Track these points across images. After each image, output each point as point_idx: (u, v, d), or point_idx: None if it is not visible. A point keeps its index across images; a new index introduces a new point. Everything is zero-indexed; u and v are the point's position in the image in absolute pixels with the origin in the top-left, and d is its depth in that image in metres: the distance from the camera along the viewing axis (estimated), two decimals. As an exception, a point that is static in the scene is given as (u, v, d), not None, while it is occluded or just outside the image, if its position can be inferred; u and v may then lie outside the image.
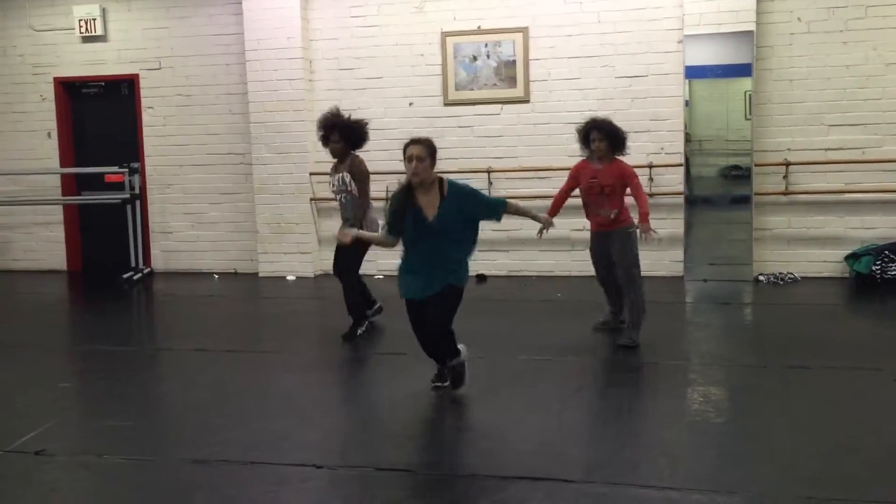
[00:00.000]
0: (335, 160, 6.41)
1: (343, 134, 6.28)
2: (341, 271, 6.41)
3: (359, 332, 6.34)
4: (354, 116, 6.44)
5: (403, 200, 4.63)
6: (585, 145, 6.03)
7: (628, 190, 5.96)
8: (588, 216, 6.13)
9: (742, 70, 8.29)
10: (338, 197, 6.38)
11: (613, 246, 5.96)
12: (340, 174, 6.28)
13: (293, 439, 4.33)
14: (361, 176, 6.26)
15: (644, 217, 5.82)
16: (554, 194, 6.33)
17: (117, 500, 3.71)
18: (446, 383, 4.87)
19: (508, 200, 4.98)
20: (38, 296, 8.92)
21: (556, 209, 6.12)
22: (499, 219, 4.89)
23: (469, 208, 4.66)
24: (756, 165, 8.25)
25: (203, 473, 3.89)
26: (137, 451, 4.21)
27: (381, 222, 5.28)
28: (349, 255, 6.19)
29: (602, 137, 5.87)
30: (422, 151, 4.55)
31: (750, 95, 8.28)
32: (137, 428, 4.59)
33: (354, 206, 6.23)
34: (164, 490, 3.77)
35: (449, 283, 4.62)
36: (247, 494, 3.68)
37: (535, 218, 5.18)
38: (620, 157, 5.99)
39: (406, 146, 4.62)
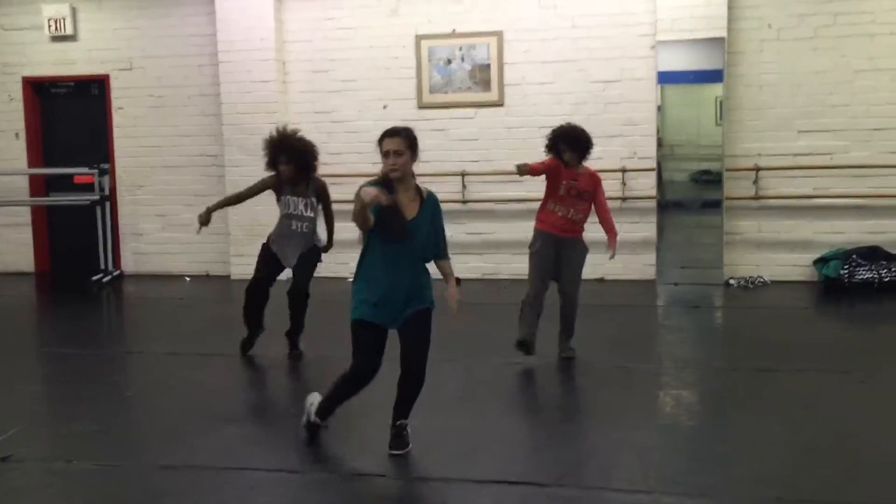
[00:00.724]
0: (286, 184, 5.85)
1: (294, 157, 5.76)
2: (305, 287, 5.96)
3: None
4: (300, 134, 5.97)
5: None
6: (555, 153, 5.74)
7: None
8: (544, 216, 5.74)
9: (713, 76, 8.39)
10: (296, 226, 5.87)
11: (572, 253, 5.72)
12: (307, 199, 5.86)
13: (265, 444, 4.31)
14: (328, 196, 5.98)
15: (613, 232, 5.83)
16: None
17: (86, 507, 3.66)
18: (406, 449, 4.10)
19: (447, 255, 4.28)
20: (4, 298, 8.78)
21: (532, 167, 5.74)
22: (429, 258, 4.17)
23: (434, 223, 4.14)
24: (727, 170, 8.33)
25: (173, 479, 3.85)
26: (107, 456, 4.15)
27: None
28: (311, 269, 6.01)
29: (569, 149, 5.66)
30: (400, 144, 3.98)
31: (721, 101, 8.36)
32: (107, 433, 4.53)
33: (328, 223, 6.08)
34: (134, 496, 3.73)
35: (426, 308, 4.07)
36: (217, 500, 3.65)
37: (448, 288, 4.23)
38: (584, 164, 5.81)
39: (381, 139, 4.04)
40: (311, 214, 5.91)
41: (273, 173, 5.88)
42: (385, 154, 3.99)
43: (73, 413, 4.93)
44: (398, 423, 4.11)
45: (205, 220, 5.79)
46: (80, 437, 4.45)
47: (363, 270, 4.06)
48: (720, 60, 8.23)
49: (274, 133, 5.90)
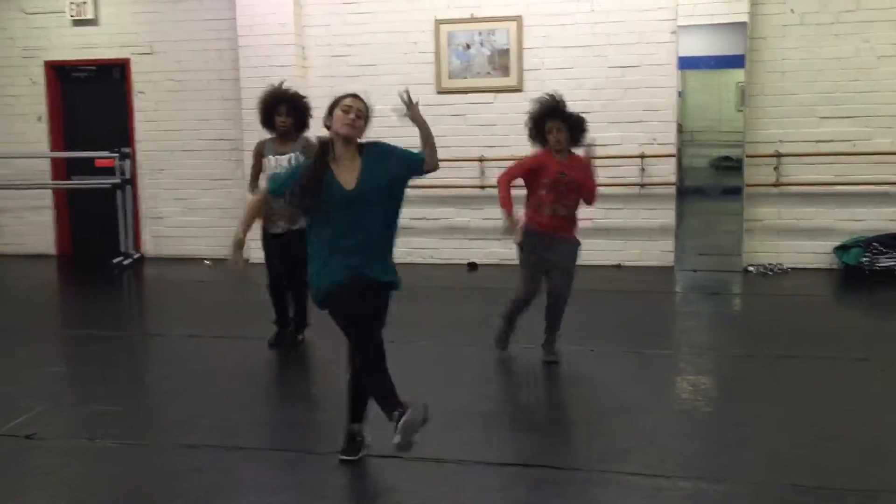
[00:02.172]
0: (275, 139, 5.66)
1: (293, 109, 5.59)
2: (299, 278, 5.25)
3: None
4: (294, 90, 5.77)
5: (315, 158, 3.75)
6: (538, 137, 5.17)
7: None
8: (534, 214, 5.15)
9: (735, 61, 8.31)
10: None
11: (560, 253, 5.14)
12: (290, 154, 5.55)
13: (283, 425, 4.35)
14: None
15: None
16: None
17: (108, 484, 3.71)
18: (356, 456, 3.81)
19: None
20: (27, 280, 8.89)
21: (511, 203, 5.03)
22: (421, 168, 3.88)
23: (392, 164, 3.78)
24: (747, 157, 8.27)
25: (193, 458, 3.90)
26: (128, 435, 4.21)
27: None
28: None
29: (561, 127, 5.02)
30: (363, 108, 3.79)
31: (742, 87, 8.29)
32: (128, 412, 4.60)
33: None
34: (155, 474, 3.78)
35: (390, 281, 3.83)
36: (236, 479, 3.70)
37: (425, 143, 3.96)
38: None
39: (342, 97, 3.80)
40: None
41: (258, 141, 5.79)
42: (345, 109, 3.72)
43: (94, 393, 5.00)
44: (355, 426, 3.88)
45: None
46: (101, 417, 4.51)
47: (314, 249, 3.77)
48: (742, 46, 8.16)
49: (270, 87, 5.72)
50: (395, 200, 3.81)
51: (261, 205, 4.07)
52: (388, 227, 3.83)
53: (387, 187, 3.75)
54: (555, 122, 5.05)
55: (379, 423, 4.27)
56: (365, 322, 3.71)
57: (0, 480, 3.73)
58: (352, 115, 3.71)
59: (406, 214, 9.67)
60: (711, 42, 8.38)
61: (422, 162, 3.86)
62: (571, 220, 5.22)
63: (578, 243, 5.28)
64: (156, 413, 4.66)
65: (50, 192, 9.95)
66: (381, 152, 3.82)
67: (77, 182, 9.84)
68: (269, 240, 5.80)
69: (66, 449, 4.11)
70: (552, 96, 5.20)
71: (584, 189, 5.18)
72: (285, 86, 5.80)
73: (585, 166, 5.19)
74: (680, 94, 8.39)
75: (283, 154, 5.60)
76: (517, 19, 8.62)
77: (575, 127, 5.10)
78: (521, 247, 5.18)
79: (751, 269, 8.26)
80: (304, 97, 5.80)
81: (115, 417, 4.52)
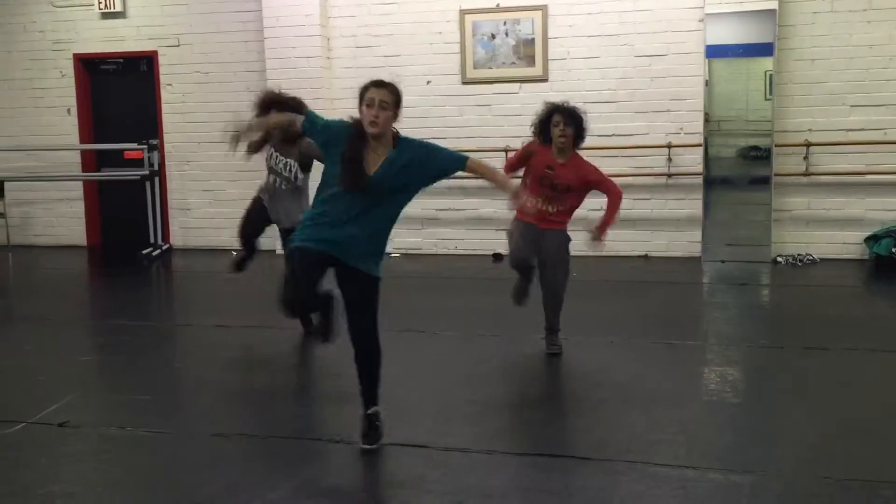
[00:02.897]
0: (274, 141, 5.60)
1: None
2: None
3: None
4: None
5: (351, 138, 3.65)
6: (544, 134, 5.10)
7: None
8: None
9: (763, 49, 8.21)
10: (277, 182, 5.67)
11: (548, 244, 5.14)
12: (287, 160, 5.61)
13: (311, 414, 4.38)
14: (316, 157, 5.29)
15: (604, 226, 5.09)
16: None
17: (140, 471, 3.76)
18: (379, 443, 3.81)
19: (471, 157, 3.82)
20: (58, 271, 9.02)
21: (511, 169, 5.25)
22: (462, 166, 3.72)
23: (426, 163, 3.70)
24: (776, 146, 8.18)
25: (223, 446, 3.94)
26: (158, 424, 4.27)
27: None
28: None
29: (568, 123, 4.99)
30: (387, 97, 3.63)
31: (771, 75, 8.19)
32: (158, 402, 4.66)
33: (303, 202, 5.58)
34: (186, 462, 3.83)
35: (369, 272, 3.75)
36: (265, 467, 3.73)
37: (500, 185, 3.92)
38: (579, 153, 5.18)
39: (366, 87, 3.67)
40: (289, 175, 5.60)
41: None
42: (368, 104, 3.62)
43: (125, 382, 5.07)
44: (368, 411, 3.82)
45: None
46: (132, 406, 4.57)
47: (314, 214, 3.76)
48: (771, 33, 8.05)
49: (267, 91, 5.56)
50: (401, 200, 3.76)
51: (288, 124, 3.92)
52: (384, 225, 3.76)
53: (402, 183, 3.69)
54: (563, 115, 5.02)
55: (403, 413, 4.30)
56: (305, 283, 3.68)
57: (35, 466, 3.80)
58: (374, 111, 3.60)
59: (431, 205, 9.78)
60: (740, 30, 8.28)
61: (464, 162, 3.74)
62: (562, 218, 5.16)
63: (567, 236, 5.20)
64: (185, 402, 4.72)
65: (80, 184, 10.07)
66: (418, 147, 3.73)
67: (106, 174, 9.95)
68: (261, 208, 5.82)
69: (98, 437, 4.17)
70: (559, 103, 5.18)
71: (603, 191, 5.12)
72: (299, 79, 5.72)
73: (579, 177, 5.06)
74: (707, 83, 8.30)
75: (282, 158, 5.62)
76: (542, 9, 8.58)
77: (579, 128, 5.06)
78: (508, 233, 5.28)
79: (779, 259, 8.19)
80: (302, 103, 5.48)
81: (146, 406, 4.58)
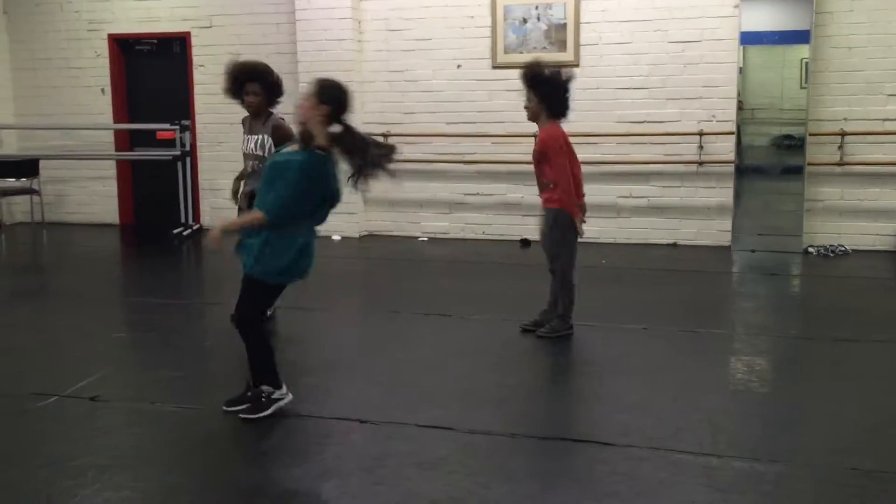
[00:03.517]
0: (248, 116, 5.50)
1: (266, 85, 5.31)
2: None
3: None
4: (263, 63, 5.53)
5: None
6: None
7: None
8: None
9: (799, 37, 8.08)
10: (250, 164, 5.44)
11: (543, 224, 5.28)
12: (258, 136, 5.37)
13: (336, 394, 4.42)
14: (287, 137, 4.89)
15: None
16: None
17: (169, 445, 3.83)
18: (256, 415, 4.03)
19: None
20: (91, 249, 9.15)
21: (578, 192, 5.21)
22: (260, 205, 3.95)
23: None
24: (810, 135, 8.07)
25: (251, 423, 3.99)
26: (188, 399, 4.34)
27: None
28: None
29: (531, 96, 4.96)
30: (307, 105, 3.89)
31: (806, 63, 8.07)
32: (187, 378, 4.73)
33: None
34: (215, 437, 3.89)
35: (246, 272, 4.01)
36: (292, 444, 3.79)
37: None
38: (556, 122, 5.12)
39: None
40: (261, 153, 5.34)
41: (244, 117, 5.57)
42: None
43: (155, 359, 5.15)
44: (256, 389, 4.09)
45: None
46: (162, 382, 4.65)
47: (297, 237, 4.04)
48: (807, 20, 7.92)
49: (237, 61, 5.45)
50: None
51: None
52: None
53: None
54: (524, 88, 5.02)
55: (429, 395, 4.33)
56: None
57: (68, 439, 3.89)
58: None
59: (459, 189, 9.75)
60: (775, 17, 8.17)
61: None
62: (544, 192, 5.20)
63: (553, 216, 5.16)
64: (214, 379, 4.79)
65: (113, 163, 10.20)
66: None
67: (139, 153, 10.06)
68: None
69: (129, 411, 4.25)
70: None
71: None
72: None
73: (540, 140, 5.05)
74: (741, 70, 8.20)
75: (254, 134, 5.42)
76: (575, -7, 8.50)
77: (548, 92, 5.01)
78: None
79: (811, 250, 8.09)
80: (274, 73, 5.44)
81: (175, 382, 4.65)
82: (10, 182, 9.80)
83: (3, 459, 3.67)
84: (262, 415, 4.01)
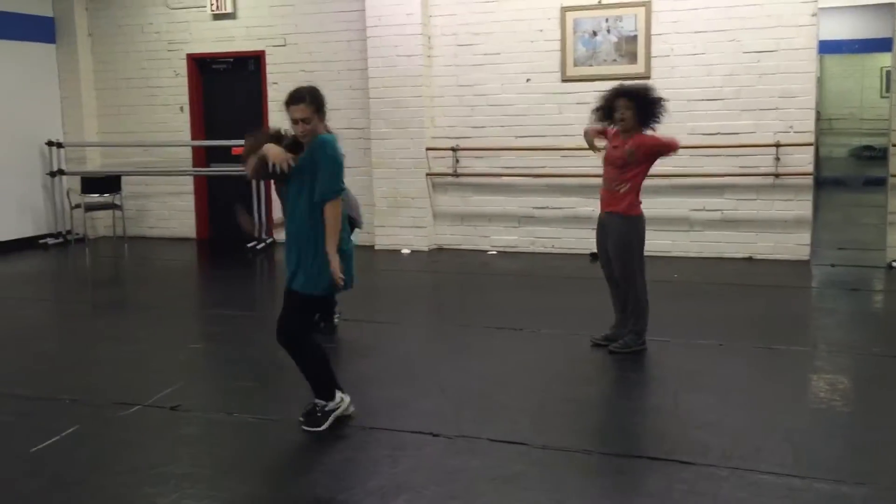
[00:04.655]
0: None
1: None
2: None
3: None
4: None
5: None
6: (608, 117, 5.22)
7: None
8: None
9: (881, 45, 7.87)
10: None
11: (611, 233, 5.26)
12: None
13: (408, 407, 4.44)
14: None
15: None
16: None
17: (247, 455, 3.91)
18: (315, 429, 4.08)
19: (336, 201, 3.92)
20: (170, 262, 9.43)
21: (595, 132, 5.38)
22: (322, 203, 3.90)
23: (314, 168, 3.90)
24: (893, 146, 7.79)
25: (325, 435, 4.04)
26: (263, 410, 4.42)
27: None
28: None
29: (629, 105, 5.06)
30: (305, 111, 3.88)
31: (888, 71, 7.84)
32: (263, 389, 4.82)
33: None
34: (290, 448, 3.96)
35: (294, 290, 4.03)
36: (367, 457, 3.82)
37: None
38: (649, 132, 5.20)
39: (286, 104, 3.94)
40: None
41: None
42: (293, 122, 3.91)
43: (232, 370, 5.27)
44: (312, 402, 4.13)
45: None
46: (238, 392, 4.75)
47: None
48: (889, 28, 7.68)
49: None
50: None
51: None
52: (313, 229, 4.00)
53: (311, 182, 3.92)
54: (624, 100, 5.11)
55: (501, 410, 4.32)
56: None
57: (149, 448, 4.00)
58: (300, 128, 3.89)
59: (528, 203, 9.73)
60: (855, 24, 7.97)
61: (325, 201, 3.91)
62: (614, 191, 5.21)
63: (635, 218, 5.21)
64: (288, 391, 4.85)
65: (191, 178, 10.50)
66: (316, 151, 3.92)
67: (215, 169, 10.33)
68: None
69: (207, 421, 4.35)
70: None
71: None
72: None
73: (635, 143, 5.11)
74: (818, 79, 8.00)
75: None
76: (646, 4, 8.43)
77: (644, 106, 5.12)
78: None
79: (894, 264, 7.80)
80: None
81: (252, 392, 4.75)
82: (94, 197, 10.19)
83: (88, 466, 3.80)
84: (319, 429, 4.04)
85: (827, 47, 7.94)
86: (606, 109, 5.23)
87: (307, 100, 3.89)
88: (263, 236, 9.83)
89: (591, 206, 8.70)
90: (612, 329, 5.38)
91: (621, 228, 5.23)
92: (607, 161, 5.27)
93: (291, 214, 4.01)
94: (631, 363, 5.15)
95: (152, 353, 5.63)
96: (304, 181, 3.92)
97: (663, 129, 8.22)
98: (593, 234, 8.62)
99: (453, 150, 9.13)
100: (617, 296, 5.37)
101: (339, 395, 4.14)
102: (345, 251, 4.01)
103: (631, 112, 5.09)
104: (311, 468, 3.81)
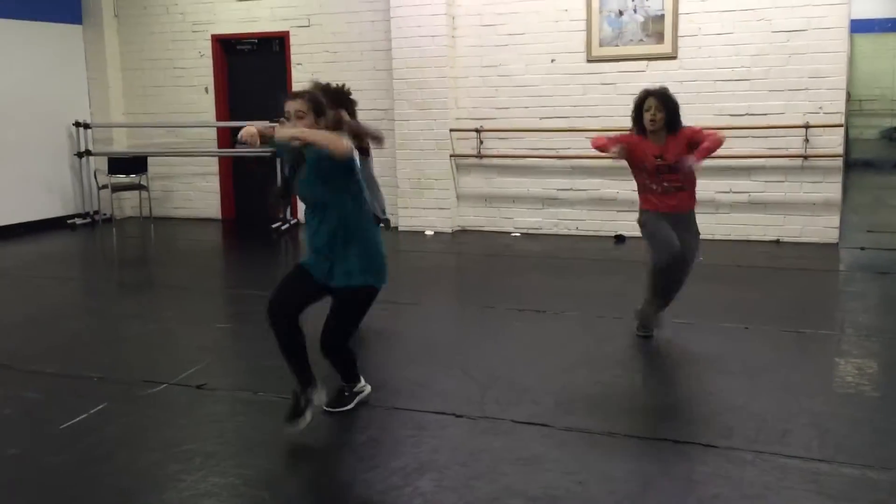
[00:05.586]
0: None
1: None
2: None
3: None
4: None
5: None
6: (637, 120, 5.05)
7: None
8: (648, 195, 5.11)
9: (914, 23, 7.71)
10: None
11: (689, 229, 5.15)
12: None
13: (431, 388, 4.46)
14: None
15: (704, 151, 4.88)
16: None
17: (272, 434, 3.94)
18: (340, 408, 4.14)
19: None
20: (196, 242, 9.50)
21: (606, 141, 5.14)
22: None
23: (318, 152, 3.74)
24: (925, 127, 7.67)
25: (347, 415, 4.07)
26: (289, 390, 4.44)
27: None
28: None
29: (660, 107, 4.94)
30: (301, 105, 3.80)
31: (922, 51, 7.68)
32: (286, 369, 4.84)
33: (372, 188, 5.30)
34: (316, 428, 3.97)
35: (348, 285, 3.94)
36: (391, 437, 3.84)
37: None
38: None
39: (284, 101, 3.88)
40: None
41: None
42: (287, 118, 3.84)
43: (257, 349, 5.28)
44: (340, 385, 4.19)
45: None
46: (264, 372, 4.78)
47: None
48: (924, 6, 7.54)
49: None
50: (350, 183, 3.92)
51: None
52: (355, 215, 3.99)
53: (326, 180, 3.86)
54: (654, 101, 4.95)
55: (525, 392, 4.32)
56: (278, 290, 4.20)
57: (176, 425, 4.05)
58: (293, 123, 3.79)
59: (552, 185, 9.69)
60: (887, 3, 7.81)
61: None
62: (677, 190, 5.04)
63: (694, 213, 5.20)
64: (314, 370, 4.88)
65: (216, 159, 10.55)
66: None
67: (239, 150, 10.34)
68: None
69: (233, 399, 4.40)
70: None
71: (701, 139, 4.96)
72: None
73: (686, 137, 4.97)
74: (850, 59, 7.85)
75: None
76: (674, -17, 8.31)
77: (673, 109, 4.98)
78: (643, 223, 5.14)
79: (925, 248, 7.69)
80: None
81: (276, 372, 4.74)
82: (121, 178, 10.27)
83: (116, 443, 3.85)
84: (347, 407, 4.13)
85: (858, 26, 7.79)
86: (636, 114, 5.06)
87: (305, 97, 3.84)
88: (288, 217, 9.87)
89: (616, 189, 8.66)
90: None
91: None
92: (658, 170, 5.00)
93: (322, 214, 3.86)
94: (655, 346, 5.12)
95: (179, 332, 5.68)
96: (320, 170, 3.80)
97: (690, 111, 8.16)
98: (617, 216, 8.69)
99: (477, 131, 9.09)
100: (677, 290, 5.16)
101: (362, 379, 4.24)
102: (377, 243, 4.06)
103: (663, 114, 4.97)
104: (335, 448, 3.84)
